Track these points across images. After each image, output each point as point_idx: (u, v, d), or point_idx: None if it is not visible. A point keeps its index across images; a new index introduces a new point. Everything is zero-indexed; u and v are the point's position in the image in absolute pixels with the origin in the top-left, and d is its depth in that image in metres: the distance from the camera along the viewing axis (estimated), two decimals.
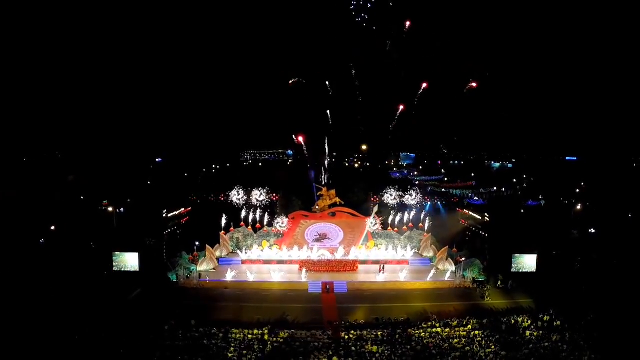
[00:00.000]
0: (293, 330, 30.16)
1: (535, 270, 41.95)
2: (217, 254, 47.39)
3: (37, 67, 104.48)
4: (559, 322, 31.19)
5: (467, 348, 27.90)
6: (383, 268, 44.19)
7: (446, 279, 41.57)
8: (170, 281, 40.80)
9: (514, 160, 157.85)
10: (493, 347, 28.07)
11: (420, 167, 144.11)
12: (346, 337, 29.32)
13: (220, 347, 27.64)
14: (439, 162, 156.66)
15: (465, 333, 30.04)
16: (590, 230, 55.35)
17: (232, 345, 27.98)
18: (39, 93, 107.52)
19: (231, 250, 49.34)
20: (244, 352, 27.18)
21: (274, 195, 56.68)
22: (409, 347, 28.01)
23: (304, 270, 43.31)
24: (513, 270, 42.01)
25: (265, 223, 51.13)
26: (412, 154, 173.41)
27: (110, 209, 48.77)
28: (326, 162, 53.58)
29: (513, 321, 31.78)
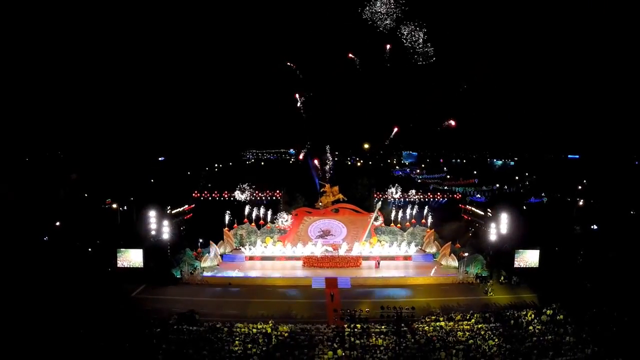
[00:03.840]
0: (297, 325, 30.34)
1: (537, 266, 42.06)
2: (221, 250, 47.62)
3: (39, 67, 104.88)
4: (561, 316, 31.31)
5: (471, 341, 28.04)
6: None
7: (449, 274, 41.71)
8: (174, 277, 41.03)
9: (516, 159, 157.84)
10: (496, 340, 28.22)
11: (423, 166, 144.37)
12: (351, 329, 29.47)
13: (225, 341, 27.82)
14: (441, 160, 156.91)
15: (469, 327, 30.21)
16: (592, 227, 55.45)
17: (237, 339, 28.17)
18: (41, 93, 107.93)
19: (235, 247, 49.56)
20: (249, 345, 27.35)
21: (277, 192, 56.87)
22: (413, 340, 28.17)
23: (307, 267, 43.51)
24: (516, 265, 42.14)
25: (269, 220, 51.35)
26: (414, 153, 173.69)
27: (114, 205, 49.12)
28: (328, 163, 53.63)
29: (516, 314, 31.93)
